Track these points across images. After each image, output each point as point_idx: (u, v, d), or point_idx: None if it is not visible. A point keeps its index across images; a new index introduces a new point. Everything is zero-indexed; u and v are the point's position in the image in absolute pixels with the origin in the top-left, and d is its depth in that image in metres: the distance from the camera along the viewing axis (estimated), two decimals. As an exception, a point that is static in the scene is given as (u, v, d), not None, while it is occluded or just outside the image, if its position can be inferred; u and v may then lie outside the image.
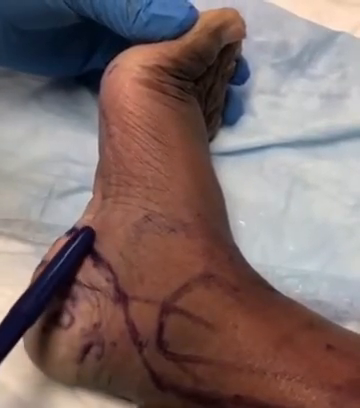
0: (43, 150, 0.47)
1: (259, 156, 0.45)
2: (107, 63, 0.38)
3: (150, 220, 0.34)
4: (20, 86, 0.51)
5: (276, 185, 0.43)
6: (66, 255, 0.34)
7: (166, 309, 0.32)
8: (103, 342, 0.33)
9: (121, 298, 0.33)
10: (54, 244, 0.36)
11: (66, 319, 0.33)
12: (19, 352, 0.33)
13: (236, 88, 0.46)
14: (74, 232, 0.36)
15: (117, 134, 0.36)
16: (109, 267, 0.34)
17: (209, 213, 0.35)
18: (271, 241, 0.41)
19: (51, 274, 0.33)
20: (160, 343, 0.32)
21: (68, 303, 0.34)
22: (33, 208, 0.44)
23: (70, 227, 0.37)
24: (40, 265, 0.36)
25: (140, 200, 0.35)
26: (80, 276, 0.34)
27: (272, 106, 0.47)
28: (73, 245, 0.34)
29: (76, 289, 0.34)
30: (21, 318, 0.31)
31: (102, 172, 0.37)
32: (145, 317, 0.32)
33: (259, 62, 0.49)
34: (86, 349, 0.33)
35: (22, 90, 0.50)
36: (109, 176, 0.36)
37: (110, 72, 0.37)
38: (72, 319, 0.33)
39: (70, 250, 0.34)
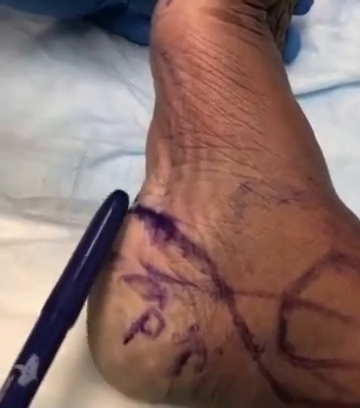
0: (62, 109, 0.41)
1: (328, 99, 0.40)
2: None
3: (250, 190, 0.28)
4: (20, 31, 0.44)
5: (356, 133, 0.37)
6: (102, 228, 0.28)
7: (288, 303, 0.27)
8: (204, 349, 0.27)
9: (224, 293, 0.27)
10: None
11: (154, 324, 0.28)
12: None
13: (295, 20, 0.40)
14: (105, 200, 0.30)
15: (188, 81, 0.29)
16: (204, 254, 0.28)
17: (319, 175, 0.30)
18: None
19: (88, 254, 0.28)
20: (283, 346, 0.27)
21: (154, 304, 0.28)
22: (63, 182, 0.37)
23: None
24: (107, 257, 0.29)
25: (231, 165, 0.29)
26: (166, 268, 0.28)
27: (333, 38, 0.42)
28: (108, 214, 0.29)
29: (163, 285, 0.28)
30: (59, 319, 0.26)
31: (167, 131, 0.31)
32: (260, 315, 0.27)
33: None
34: (182, 359, 0.27)
35: (23, 36, 0.44)
36: (181, 136, 0.30)
37: (169, 2, 0.30)
38: (161, 323, 0.28)
39: (106, 220, 0.29)
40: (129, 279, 0.28)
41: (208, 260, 0.28)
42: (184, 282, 0.28)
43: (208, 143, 0.29)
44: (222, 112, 0.29)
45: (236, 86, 0.29)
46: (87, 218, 0.35)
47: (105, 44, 0.44)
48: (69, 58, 0.42)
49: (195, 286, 0.27)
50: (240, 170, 0.28)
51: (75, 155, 0.38)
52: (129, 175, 0.38)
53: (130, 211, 0.31)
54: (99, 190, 0.37)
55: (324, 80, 0.40)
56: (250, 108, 0.29)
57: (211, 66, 0.29)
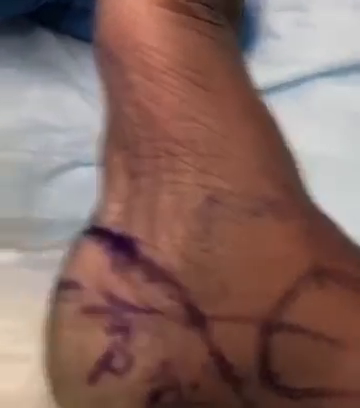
0: (8, 119, 0.39)
1: (297, 92, 0.38)
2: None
3: (217, 202, 0.26)
4: None
5: (333, 128, 0.35)
6: None
7: (268, 327, 0.25)
8: (178, 384, 0.25)
9: (196, 320, 0.25)
10: (73, 253, 0.28)
11: (120, 361, 0.26)
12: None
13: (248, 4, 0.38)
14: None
15: (140, 84, 0.27)
16: (171, 278, 0.26)
17: (294, 180, 0.28)
18: (347, 204, 0.33)
19: None
20: (267, 375, 0.25)
21: (119, 338, 0.26)
22: (12, 200, 0.36)
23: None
24: (62, 287, 0.28)
25: (195, 174, 0.26)
26: (129, 296, 0.26)
27: (297, 24, 0.40)
28: None
29: (127, 316, 0.26)
30: None
31: (122, 141, 0.29)
32: (238, 342, 0.25)
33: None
34: (154, 397, 0.25)
35: None
36: (136, 145, 0.28)
37: None
38: (129, 359, 0.25)
39: None
40: (88, 311, 0.26)
41: (176, 284, 0.26)
42: (151, 311, 0.26)
43: (168, 151, 0.27)
44: (180, 116, 0.27)
45: (194, 86, 0.27)
46: (41, 240, 0.32)
47: (50, 44, 0.42)
48: (13, 62, 0.40)
49: (163, 314, 0.26)
50: (205, 180, 0.26)
51: (25, 169, 0.36)
52: (86, 189, 0.35)
53: (85, 232, 0.28)
54: (54, 208, 0.35)
55: (290, 72, 0.38)
56: (211, 110, 0.27)
57: (165, 65, 0.27)
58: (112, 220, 0.28)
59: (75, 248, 0.28)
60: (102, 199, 0.29)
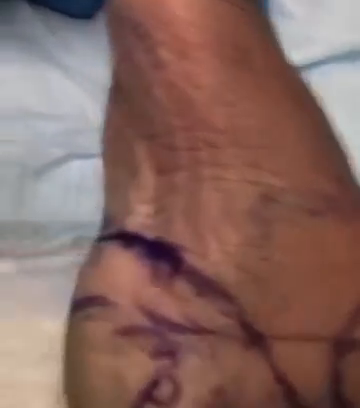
0: None
1: (315, 77, 0.35)
2: None
3: (273, 201, 0.24)
4: None
5: (353, 119, 0.34)
6: None
7: (340, 347, 0.22)
8: None
9: (254, 340, 0.23)
10: (96, 263, 0.25)
11: (167, 390, 0.23)
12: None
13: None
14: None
15: (173, 62, 0.25)
16: (224, 291, 0.23)
17: (348, 173, 0.26)
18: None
19: None
20: (340, 402, 0.22)
21: (165, 363, 0.23)
22: (2, 199, 0.32)
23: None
24: (86, 303, 0.24)
25: (242, 170, 0.24)
26: (175, 314, 0.23)
27: (313, 3, 0.38)
28: None
29: (173, 337, 0.23)
30: None
31: (147, 129, 0.26)
32: (305, 365, 0.22)
33: None
34: None
35: None
36: (169, 135, 0.25)
37: None
38: (177, 388, 0.23)
39: None
40: (126, 332, 0.24)
41: (230, 298, 0.23)
42: (200, 330, 0.23)
43: (208, 142, 0.24)
44: (222, 101, 0.24)
45: (234, 66, 0.25)
46: (36, 246, 0.31)
47: (27, 16, 0.38)
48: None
49: (215, 334, 0.23)
50: (254, 176, 0.24)
51: (14, 163, 0.33)
52: (83, 184, 0.32)
53: (105, 237, 0.26)
54: (51, 207, 0.32)
55: (307, 54, 0.36)
56: (254, 93, 0.25)
57: (201, 41, 0.25)
58: (141, 223, 0.25)
59: (97, 256, 0.25)
60: (121, 198, 0.26)
